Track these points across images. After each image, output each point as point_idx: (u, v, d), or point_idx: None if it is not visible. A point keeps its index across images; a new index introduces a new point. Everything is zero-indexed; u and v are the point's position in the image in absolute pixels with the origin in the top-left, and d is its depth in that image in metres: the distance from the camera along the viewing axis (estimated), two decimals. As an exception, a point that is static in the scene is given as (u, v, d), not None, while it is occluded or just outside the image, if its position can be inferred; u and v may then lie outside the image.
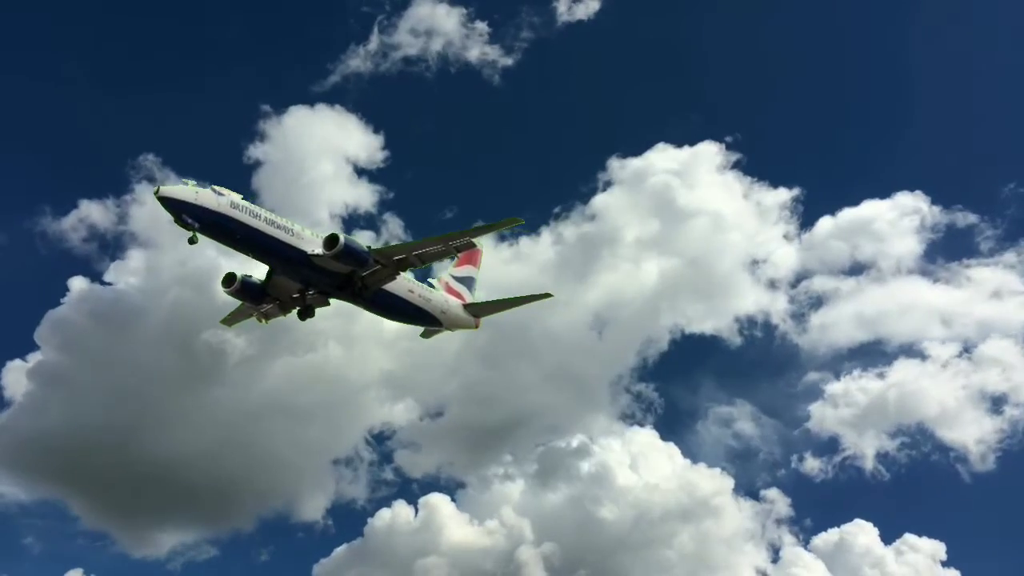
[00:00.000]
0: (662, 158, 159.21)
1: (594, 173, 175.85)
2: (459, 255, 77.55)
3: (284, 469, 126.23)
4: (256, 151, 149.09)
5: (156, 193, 62.10)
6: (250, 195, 68.42)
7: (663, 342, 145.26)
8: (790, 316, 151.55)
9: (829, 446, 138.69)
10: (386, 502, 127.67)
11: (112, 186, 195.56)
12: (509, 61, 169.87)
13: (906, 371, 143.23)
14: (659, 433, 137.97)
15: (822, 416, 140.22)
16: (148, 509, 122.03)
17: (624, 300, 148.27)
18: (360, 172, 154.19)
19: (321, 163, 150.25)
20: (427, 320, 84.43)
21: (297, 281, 74.53)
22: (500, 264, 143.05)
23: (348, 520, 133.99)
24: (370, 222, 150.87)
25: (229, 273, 75.15)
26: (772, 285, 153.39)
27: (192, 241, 64.61)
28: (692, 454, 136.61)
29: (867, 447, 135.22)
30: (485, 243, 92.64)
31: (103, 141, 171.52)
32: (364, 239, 72.58)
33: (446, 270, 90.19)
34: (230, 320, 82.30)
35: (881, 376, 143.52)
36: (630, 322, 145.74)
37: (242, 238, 66.75)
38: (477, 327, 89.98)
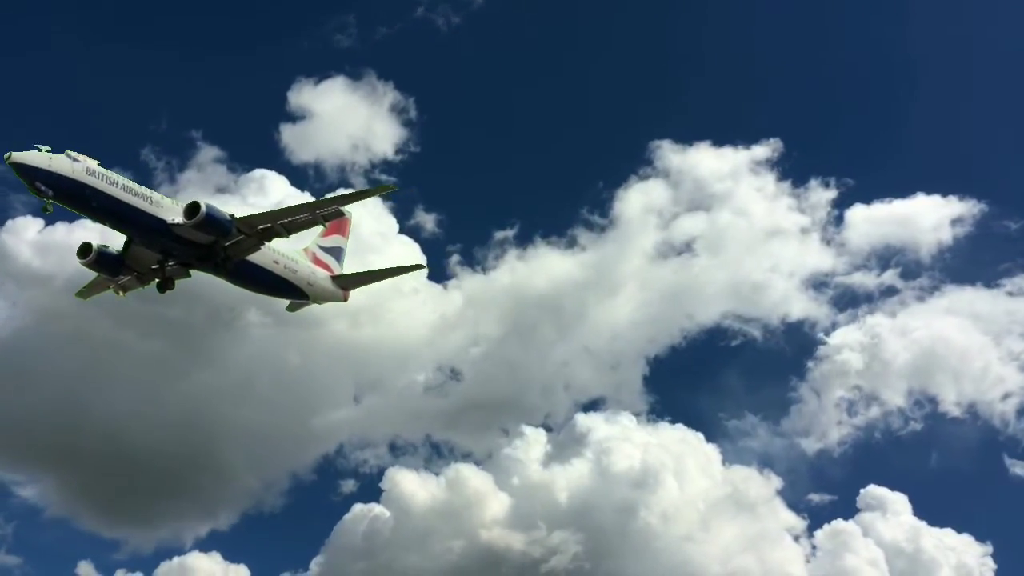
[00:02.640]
0: (705, 155, 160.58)
1: (632, 167, 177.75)
2: (327, 224, 76.71)
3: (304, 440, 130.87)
4: (281, 129, 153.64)
5: (7, 159, 59.11)
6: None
7: (694, 339, 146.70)
8: (829, 320, 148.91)
9: (852, 414, 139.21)
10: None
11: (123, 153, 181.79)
12: (545, 49, 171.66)
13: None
14: (691, 428, 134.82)
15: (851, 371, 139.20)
16: (146, 499, 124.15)
17: (656, 297, 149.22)
18: (384, 159, 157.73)
19: (345, 132, 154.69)
20: (293, 292, 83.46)
21: (156, 251, 72.48)
22: (520, 263, 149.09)
23: (368, 486, 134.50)
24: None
25: (84, 243, 72.38)
26: (811, 287, 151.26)
27: (46, 210, 62.06)
28: (724, 451, 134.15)
29: (894, 415, 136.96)
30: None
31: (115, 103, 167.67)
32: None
33: (312, 240, 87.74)
34: (85, 292, 79.08)
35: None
36: (662, 318, 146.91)
37: (98, 207, 64.62)
38: (346, 300, 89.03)
